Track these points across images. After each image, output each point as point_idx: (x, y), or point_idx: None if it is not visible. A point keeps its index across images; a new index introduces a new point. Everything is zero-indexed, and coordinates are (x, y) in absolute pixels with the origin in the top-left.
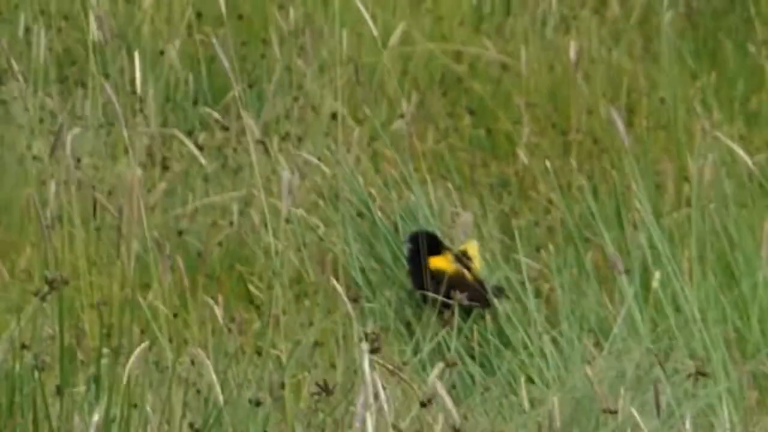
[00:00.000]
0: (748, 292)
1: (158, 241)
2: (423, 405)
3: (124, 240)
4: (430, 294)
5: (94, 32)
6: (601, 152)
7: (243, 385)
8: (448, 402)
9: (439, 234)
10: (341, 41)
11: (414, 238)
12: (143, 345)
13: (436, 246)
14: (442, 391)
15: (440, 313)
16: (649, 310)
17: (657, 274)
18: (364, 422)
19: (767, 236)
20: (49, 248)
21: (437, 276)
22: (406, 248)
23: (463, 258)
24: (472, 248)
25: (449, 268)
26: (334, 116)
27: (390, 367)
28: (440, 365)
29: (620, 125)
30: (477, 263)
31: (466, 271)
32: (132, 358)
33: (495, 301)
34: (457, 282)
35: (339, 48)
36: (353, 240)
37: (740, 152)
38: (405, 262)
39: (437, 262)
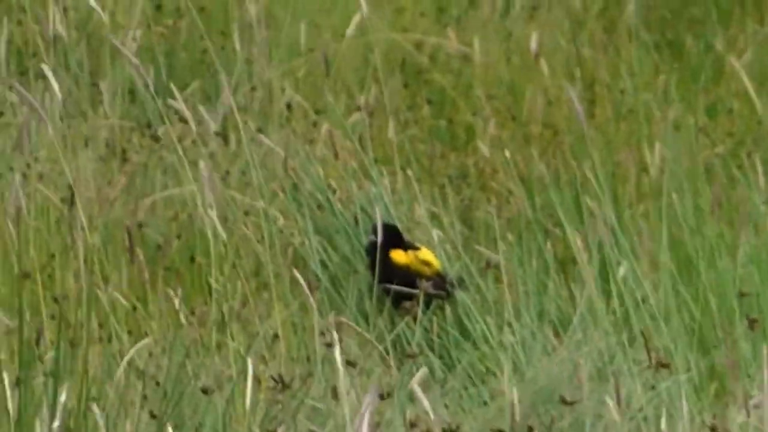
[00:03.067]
0: (707, 283)
1: (117, 234)
2: (382, 397)
3: (83, 233)
4: (393, 286)
5: (54, 25)
6: (561, 143)
7: (200, 376)
8: (426, 404)
9: (399, 227)
10: (303, 31)
11: (375, 230)
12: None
13: (397, 240)
14: (418, 392)
15: (399, 305)
16: (610, 302)
17: (622, 268)
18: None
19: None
20: (11, 241)
21: (397, 269)
22: (367, 240)
23: (421, 259)
24: (427, 254)
25: (410, 262)
26: (289, 107)
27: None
28: (423, 371)
29: (577, 104)
30: (435, 262)
31: (425, 266)
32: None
33: (455, 292)
34: (417, 275)
35: (299, 39)
36: (313, 232)
37: None
38: (364, 254)
39: (397, 256)
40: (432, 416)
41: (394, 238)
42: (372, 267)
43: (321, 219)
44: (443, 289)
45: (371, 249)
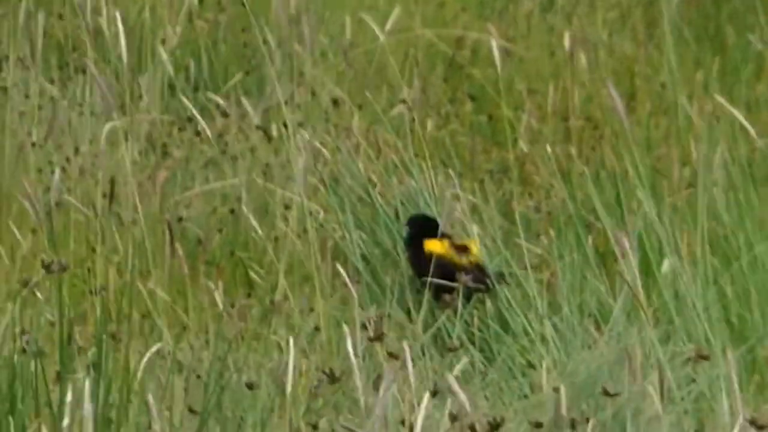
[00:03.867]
0: (748, 275)
1: (158, 228)
2: (434, 394)
3: (124, 227)
4: (432, 279)
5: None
6: (602, 138)
7: (242, 370)
8: (462, 396)
9: (439, 219)
10: (343, 27)
11: (413, 222)
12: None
13: (434, 230)
14: (455, 385)
15: (438, 297)
16: (650, 295)
17: (665, 261)
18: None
19: None
20: (49, 235)
21: (432, 260)
22: (404, 231)
23: (461, 246)
24: (474, 245)
25: (445, 252)
26: (334, 102)
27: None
28: (463, 363)
29: (618, 102)
30: (476, 252)
31: (463, 257)
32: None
33: (496, 285)
34: (453, 266)
35: (340, 34)
36: (353, 226)
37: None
38: (403, 246)
39: (433, 246)
40: (469, 408)
41: (430, 228)
42: (409, 259)
43: (361, 213)
44: (483, 282)
45: (408, 240)
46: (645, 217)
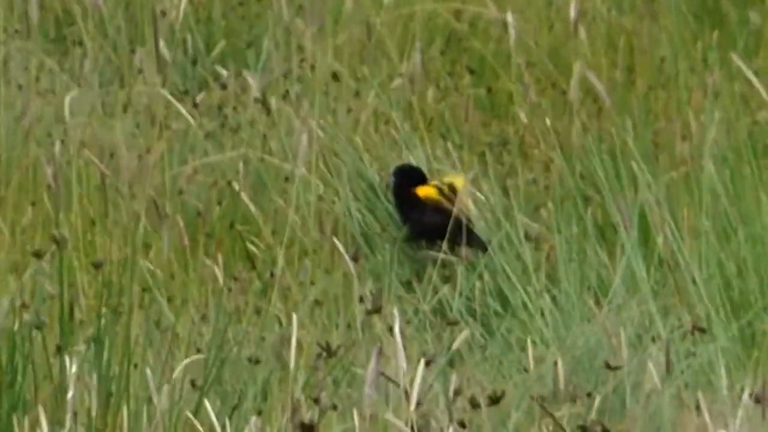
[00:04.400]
0: (745, 248)
1: (157, 201)
2: (427, 364)
3: (123, 200)
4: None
5: None
6: (601, 111)
7: (243, 343)
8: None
9: (423, 168)
10: (342, 1)
11: (399, 172)
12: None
13: (421, 178)
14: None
15: (432, 240)
16: (650, 268)
17: (662, 233)
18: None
19: None
20: (50, 208)
21: (427, 203)
22: (390, 181)
23: (448, 191)
24: (459, 181)
25: (438, 198)
26: (334, 76)
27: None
28: (464, 333)
29: (598, 85)
30: (465, 198)
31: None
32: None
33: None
34: (443, 210)
35: (339, 7)
36: (353, 199)
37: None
38: (391, 196)
39: (425, 191)
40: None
41: (416, 177)
42: (399, 207)
43: (359, 188)
44: (480, 241)
45: (395, 190)
46: (644, 190)
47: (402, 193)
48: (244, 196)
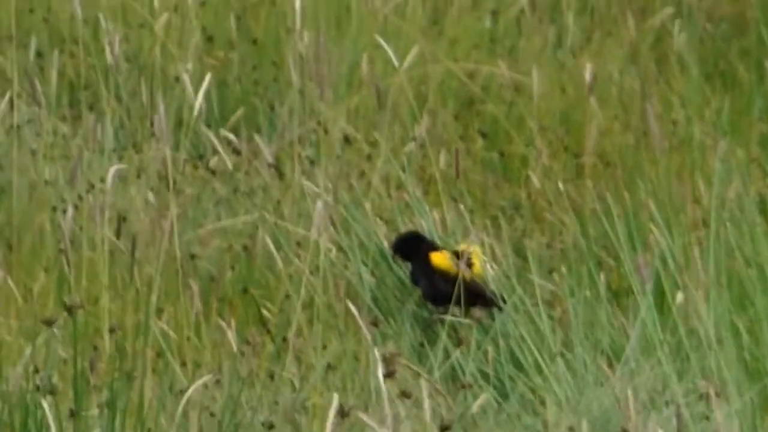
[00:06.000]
0: (762, 312)
1: (170, 266)
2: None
3: (137, 264)
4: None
5: (107, 56)
6: (614, 174)
7: (257, 408)
8: None
9: (435, 234)
10: (357, 64)
11: (403, 241)
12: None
13: (432, 244)
14: None
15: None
16: (664, 331)
17: (679, 294)
18: None
19: None
20: (63, 273)
21: (444, 276)
22: (394, 254)
23: (459, 256)
24: (472, 248)
25: (452, 269)
26: (346, 139)
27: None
28: (484, 396)
29: (653, 123)
30: (478, 265)
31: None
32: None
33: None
34: (468, 286)
35: (353, 71)
36: (362, 263)
37: None
38: (401, 262)
39: (439, 260)
40: None
41: (428, 243)
42: (415, 275)
43: (370, 254)
44: (493, 301)
45: (406, 256)
46: (660, 253)
47: (414, 259)
48: (272, 249)
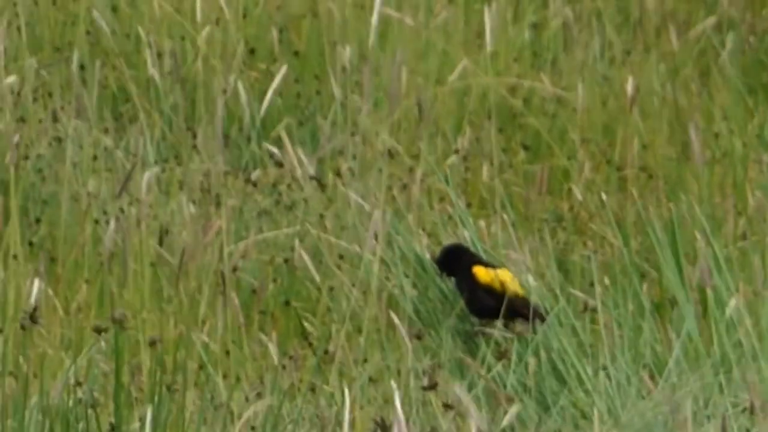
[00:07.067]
0: None
1: (213, 279)
2: None
3: (180, 277)
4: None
5: (149, 69)
6: (656, 187)
7: (297, 421)
8: None
9: (478, 246)
10: (399, 76)
11: (446, 254)
12: None
13: (473, 256)
14: None
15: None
16: (707, 344)
17: (732, 300)
18: None
19: None
20: (105, 285)
21: (488, 291)
22: (445, 260)
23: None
24: (506, 275)
25: (496, 284)
26: (389, 152)
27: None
28: (516, 407)
29: (695, 135)
30: (515, 284)
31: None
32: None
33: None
34: (514, 301)
35: (395, 83)
36: (404, 276)
37: None
38: (443, 274)
39: (483, 275)
40: None
41: (467, 255)
42: (457, 285)
43: (413, 267)
44: (539, 313)
45: (450, 268)
46: (705, 263)
47: (457, 272)
48: (309, 265)
